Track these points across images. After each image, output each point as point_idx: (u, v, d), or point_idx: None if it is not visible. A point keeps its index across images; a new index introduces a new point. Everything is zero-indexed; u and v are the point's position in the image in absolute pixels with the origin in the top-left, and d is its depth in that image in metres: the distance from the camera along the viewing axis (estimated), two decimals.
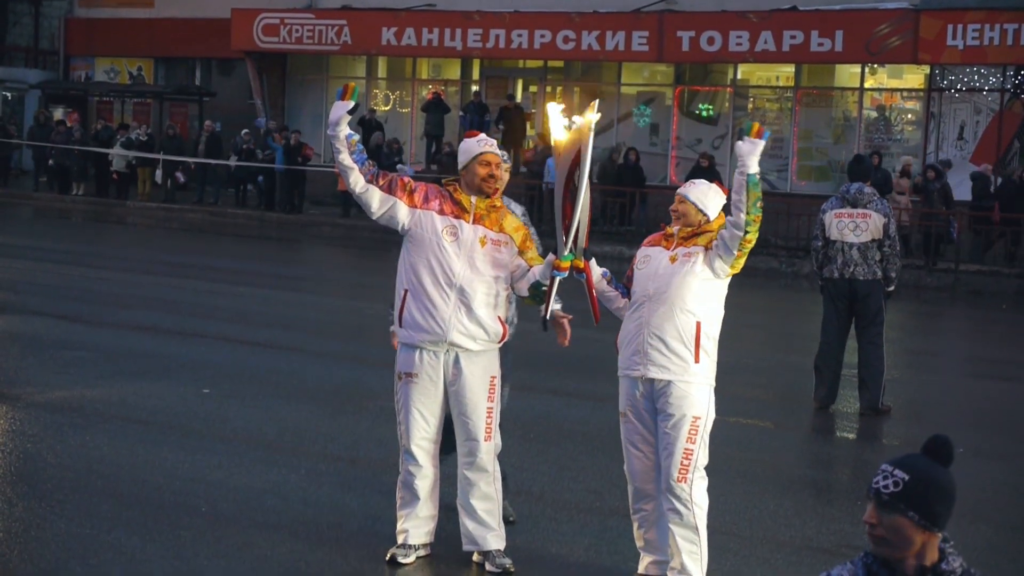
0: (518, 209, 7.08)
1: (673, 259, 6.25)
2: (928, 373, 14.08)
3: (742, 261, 6.22)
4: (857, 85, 27.80)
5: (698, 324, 6.18)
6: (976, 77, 26.52)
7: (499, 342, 6.55)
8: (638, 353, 6.26)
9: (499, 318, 6.50)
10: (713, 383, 6.29)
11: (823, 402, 11.09)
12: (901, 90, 27.89)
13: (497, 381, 6.58)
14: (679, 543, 6.23)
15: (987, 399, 12.52)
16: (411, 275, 6.46)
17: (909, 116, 27.74)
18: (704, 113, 29.18)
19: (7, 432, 8.95)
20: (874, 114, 27.89)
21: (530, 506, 7.61)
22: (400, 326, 6.52)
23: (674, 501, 6.20)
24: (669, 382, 6.19)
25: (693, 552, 6.22)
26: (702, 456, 6.22)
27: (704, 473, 6.25)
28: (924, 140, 26.86)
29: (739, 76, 28.94)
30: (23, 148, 34.05)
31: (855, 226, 10.80)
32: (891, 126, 27.73)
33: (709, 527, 6.32)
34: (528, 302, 6.60)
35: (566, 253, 6.22)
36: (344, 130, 6.29)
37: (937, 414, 11.67)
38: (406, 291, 6.47)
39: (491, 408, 6.53)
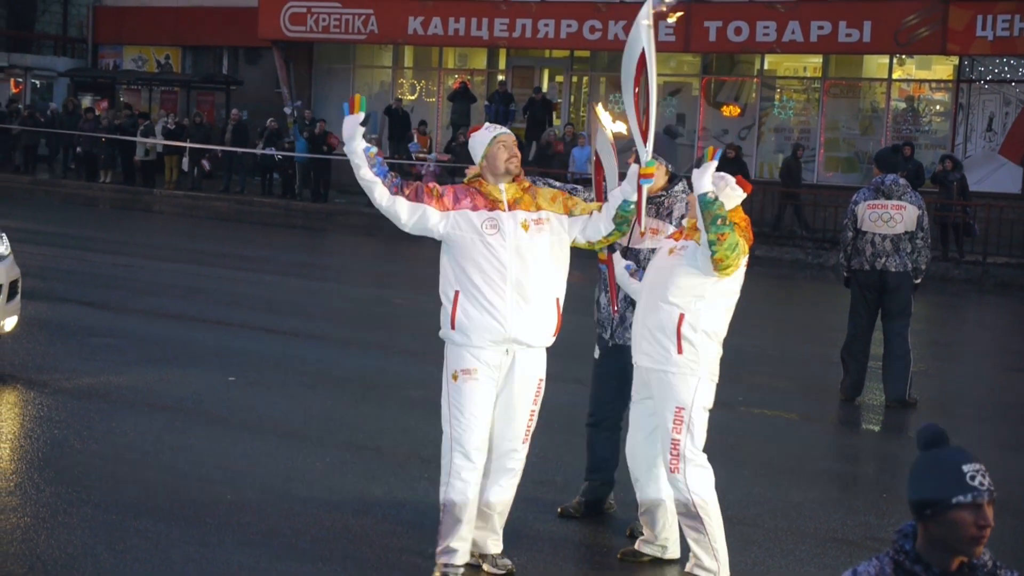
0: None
1: (671, 251, 6.34)
2: (955, 365, 14.00)
3: (732, 270, 6.14)
4: (885, 76, 27.64)
5: (680, 316, 6.19)
6: (1006, 68, 26.34)
7: (554, 333, 6.32)
8: (634, 341, 6.43)
9: (557, 300, 6.28)
10: (704, 375, 6.22)
11: (849, 394, 11.05)
12: (929, 81, 27.72)
13: (543, 384, 6.38)
14: (686, 532, 6.30)
15: (1014, 391, 12.44)
16: (461, 277, 6.16)
17: (937, 107, 27.56)
18: (730, 103, 29.09)
19: (35, 418, 9.00)
20: (902, 105, 27.73)
21: (554, 496, 7.60)
22: (454, 329, 6.17)
23: (674, 491, 6.28)
24: (652, 370, 6.30)
25: (701, 541, 6.23)
26: (690, 445, 6.19)
27: (702, 462, 6.23)
28: (952, 132, 26.68)
29: (766, 67, 28.83)
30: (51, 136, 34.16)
31: (889, 217, 10.76)
32: (919, 117, 27.56)
33: (734, 518, 6.31)
34: (615, 237, 6.36)
35: (648, 159, 6.23)
36: (360, 144, 6.08)
37: (964, 407, 11.61)
38: (457, 292, 6.17)
39: (534, 411, 6.34)
